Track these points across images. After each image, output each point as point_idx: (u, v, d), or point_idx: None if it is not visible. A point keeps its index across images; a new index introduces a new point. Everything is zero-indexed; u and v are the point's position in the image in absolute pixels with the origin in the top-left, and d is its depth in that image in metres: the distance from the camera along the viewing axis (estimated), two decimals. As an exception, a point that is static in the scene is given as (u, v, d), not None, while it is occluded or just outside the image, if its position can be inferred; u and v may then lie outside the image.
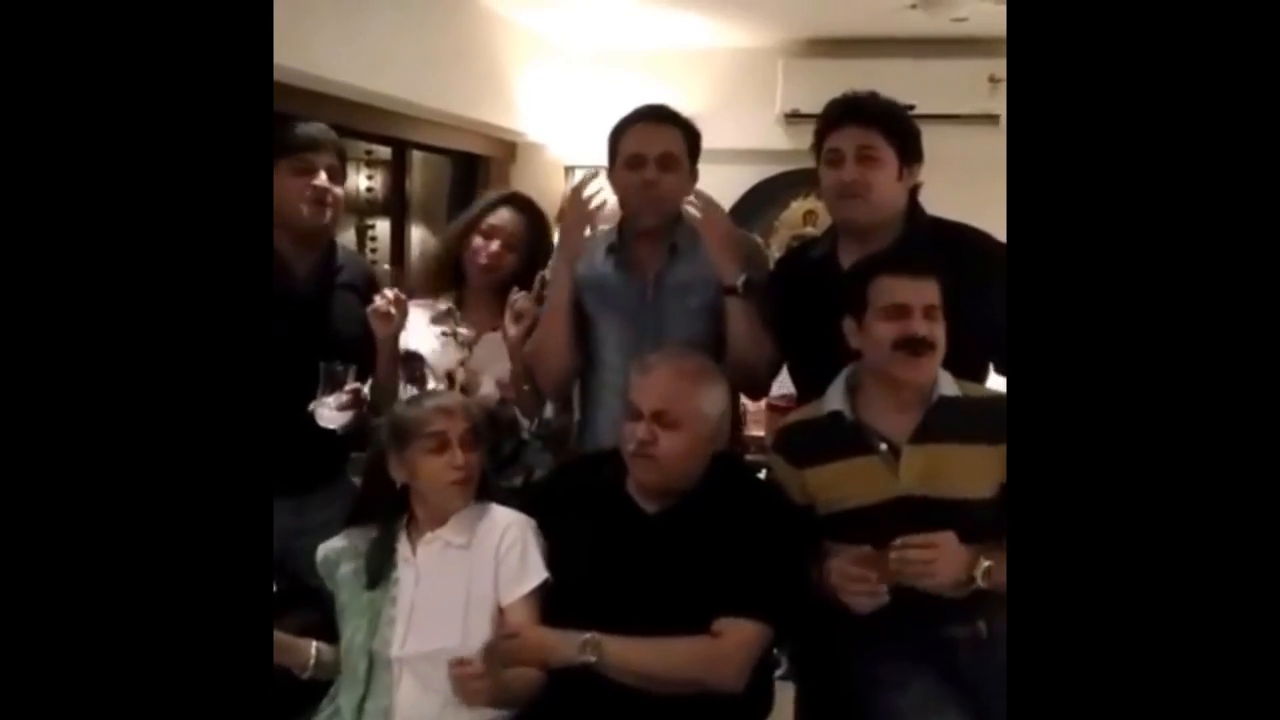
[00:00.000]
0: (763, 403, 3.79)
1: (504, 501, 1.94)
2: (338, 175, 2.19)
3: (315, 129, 2.20)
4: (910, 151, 1.98)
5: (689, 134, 2.13)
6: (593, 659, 1.67)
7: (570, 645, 1.69)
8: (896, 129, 1.97)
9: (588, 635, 1.68)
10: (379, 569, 1.84)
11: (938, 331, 1.75)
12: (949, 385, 1.80)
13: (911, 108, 2.11)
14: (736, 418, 2.22)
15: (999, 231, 1.97)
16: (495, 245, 2.24)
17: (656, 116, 2.12)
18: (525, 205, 2.33)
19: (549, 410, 2.25)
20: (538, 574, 1.81)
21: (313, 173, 2.12)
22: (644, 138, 2.09)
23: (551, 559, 1.82)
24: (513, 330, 2.14)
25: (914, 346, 1.73)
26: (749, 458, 2.54)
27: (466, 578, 1.81)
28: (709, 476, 1.79)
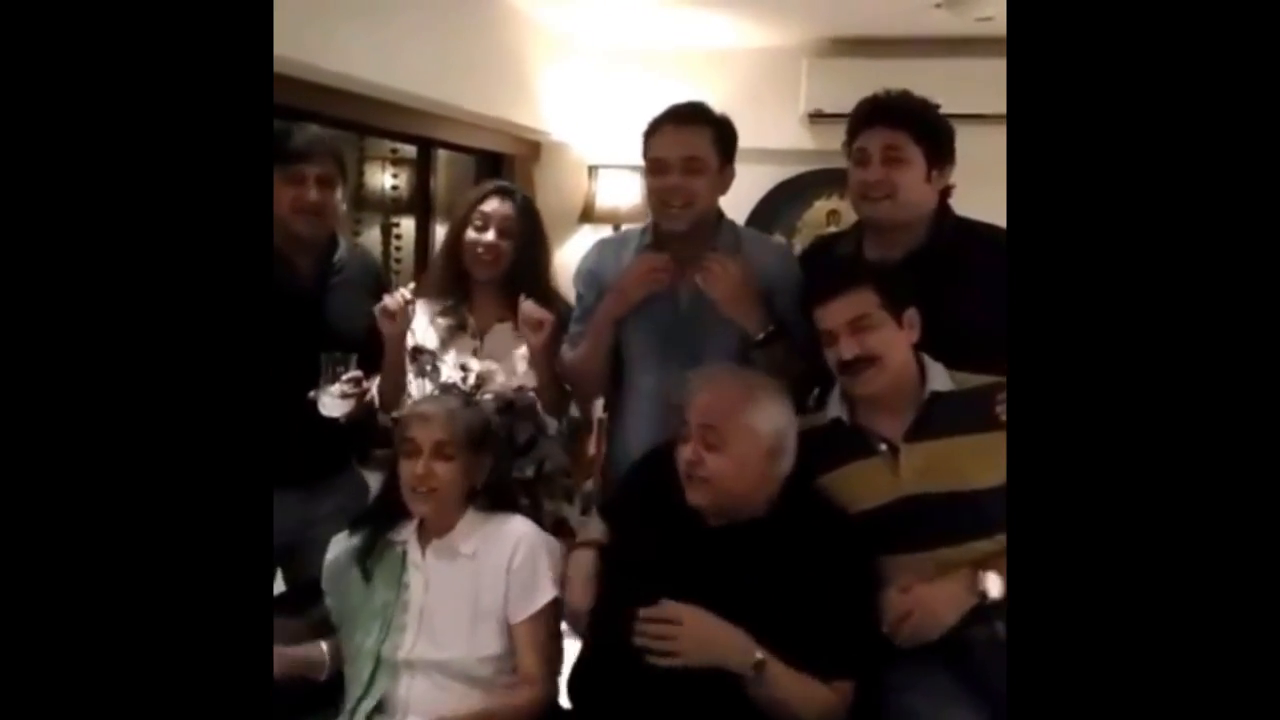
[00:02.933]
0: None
1: (519, 507, 1.96)
2: (332, 182, 2.19)
3: (309, 136, 2.22)
4: (940, 153, 1.96)
5: (720, 132, 2.05)
6: (754, 673, 1.58)
7: (742, 652, 1.59)
8: (926, 130, 1.95)
9: (760, 652, 1.59)
10: (373, 566, 1.86)
11: (872, 342, 1.74)
12: (940, 380, 1.79)
13: (937, 107, 2.10)
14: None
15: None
16: (490, 235, 2.21)
17: (682, 117, 2.05)
18: (513, 193, 2.30)
19: (574, 409, 2.25)
20: (547, 592, 1.81)
21: (303, 183, 2.14)
22: (668, 141, 2.03)
23: (618, 566, 1.80)
24: (534, 339, 2.12)
25: (846, 368, 1.76)
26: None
27: (474, 589, 1.81)
28: (781, 505, 1.72)
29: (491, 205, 2.24)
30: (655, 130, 2.06)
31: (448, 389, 2.19)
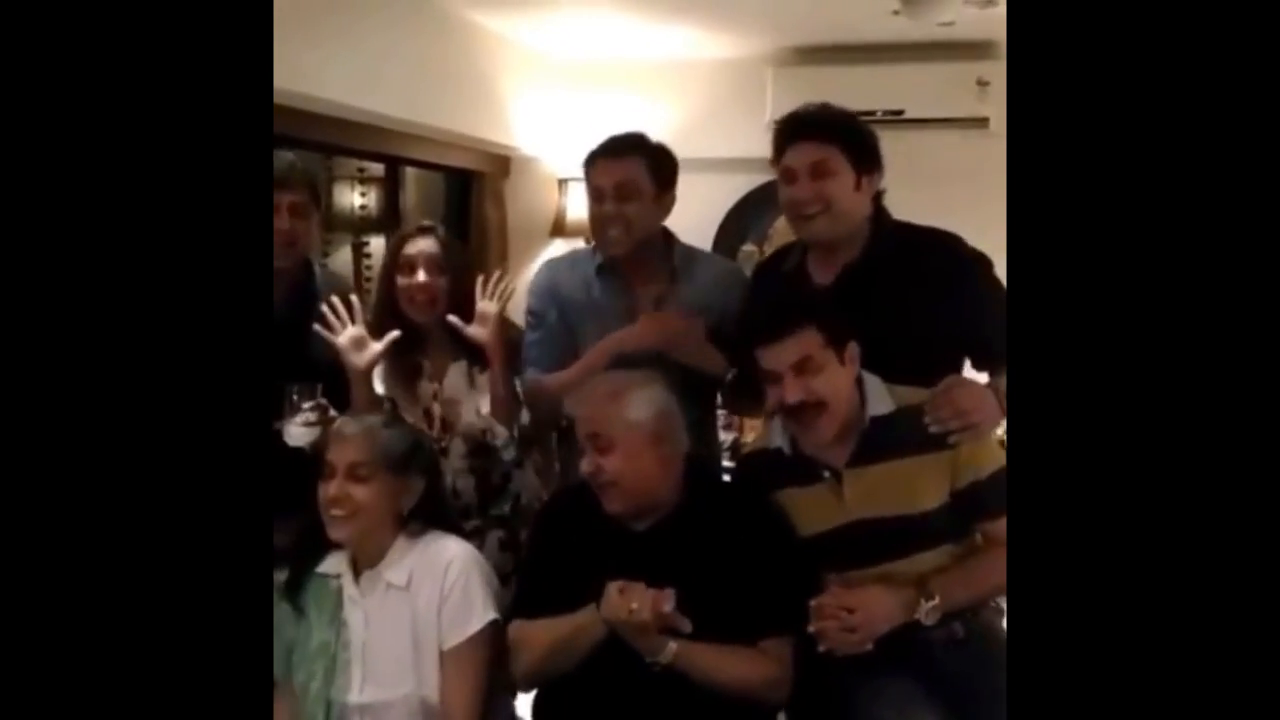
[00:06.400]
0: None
1: (457, 528, 1.90)
2: (305, 211, 2.18)
3: (283, 164, 2.20)
4: (866, 160, 1.95)
5: (655, 161, 2.10)
6: (665, 659, 1.64)
7: (655, 642, 1.64)
8: (850, 140, 1.94)
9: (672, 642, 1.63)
10: (305, 602, 1.79)
11: (817, 386, 1.71)
12: (880, 403, 1.78)
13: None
14: (710, 424, 2.24)
15: (987, 232, 2.00)
16: (421, 276, 2.15)
17: (614, 149, 2.11)
18: (434, 230, 2.24)
19: (524, 416, 2.21)
20: (483, 615, 1.73)
21: (276, 212, 2.12)
22: (602, 171, 2.10)
23: (552, 590, 1.74)
24: (491, 312, 2.10)
25: (793, 413, 1.73)
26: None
27: (411, 621, 1.73)
28: (689, 488, 1.78)
29: (414, 247, 2.18)
30: (592, 161, 2.13)
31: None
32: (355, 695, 1.73)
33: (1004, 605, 1.84)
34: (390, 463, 1.76)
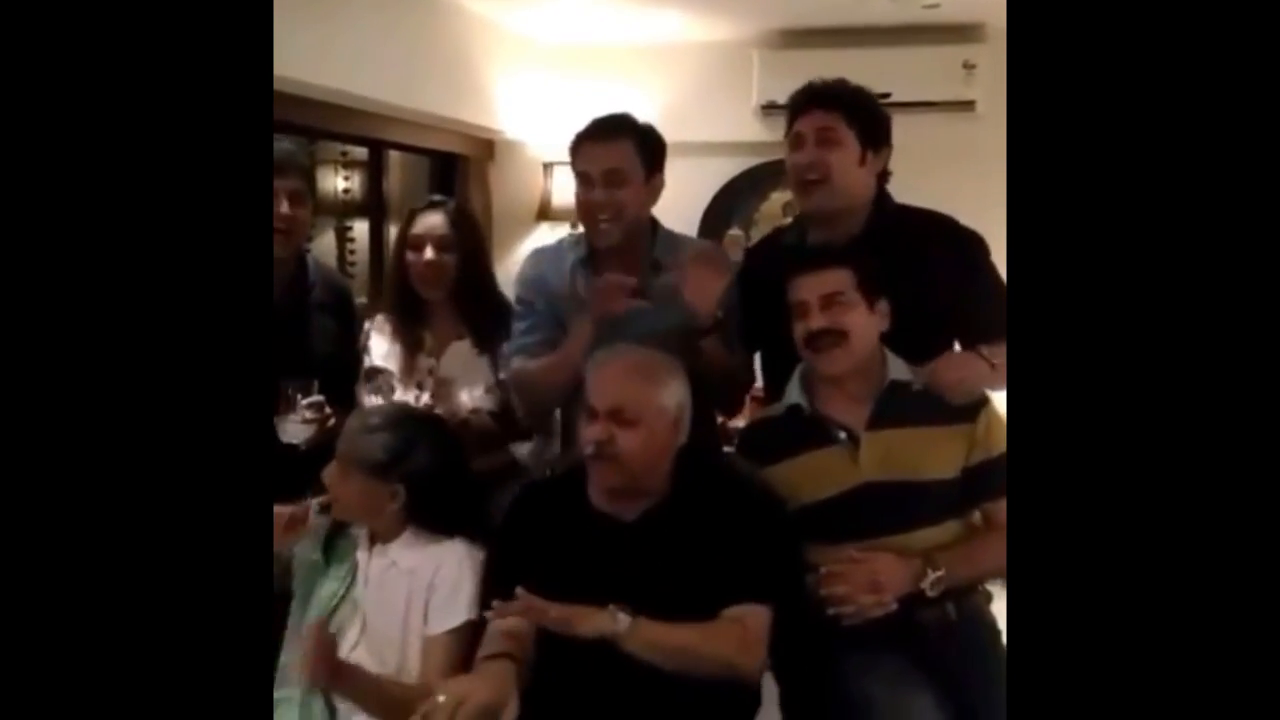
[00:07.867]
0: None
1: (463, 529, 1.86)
2: (301, 198, 2.17)
3: (281, 150, 2.18)
4: (874, 136, 1.96)
5: (643, 142, 2.03)
6: (623, 629, 1.56)
7: (602, 616, 1.57)
8: (858, 113, 1.95)
9: (619, 612, 1.57)
10: (330, 553, 1.88)
11: (843, 318, 1.75)
12: (900, 370, 1.81)
13: (887, 95, 2.11)
14: (709, 414, 2.16)
15: (975, 214, 2.01)
16: (429, 253, 2.17)
17: (602, 131, 2.03)
18: (443, 204, 2.25)
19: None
20: (463, 612, 1.73)
21: (275, 199, 2.10)
22: (590, 155, 2.01)
23: (533, 588, 1.65)
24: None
25: (813, 341, 1.76)
26: (727, 449, 2.52)
27: (405, 605, 1.76)
28: (680, 475, 1.74)
29: (423, 224, 2.19)
30: (578, 145, 2.04)
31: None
32: (344, 652, 1.76)
33: (990, 591, 1.86)
34: (365, 467, 1.78)
